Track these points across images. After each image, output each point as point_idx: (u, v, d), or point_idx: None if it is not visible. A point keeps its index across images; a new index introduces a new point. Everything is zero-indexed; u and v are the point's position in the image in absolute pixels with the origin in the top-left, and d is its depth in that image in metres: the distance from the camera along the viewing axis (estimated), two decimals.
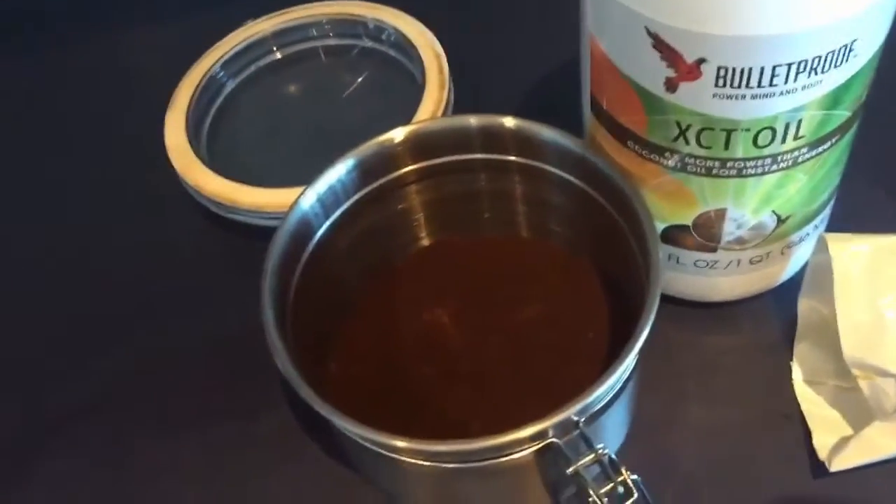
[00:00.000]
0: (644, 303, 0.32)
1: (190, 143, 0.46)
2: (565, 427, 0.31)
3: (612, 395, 0.33)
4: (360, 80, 0.51)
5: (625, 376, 0.33)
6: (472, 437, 0.37)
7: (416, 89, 0.47)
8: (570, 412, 0.30)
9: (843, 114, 0.32)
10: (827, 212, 0.38)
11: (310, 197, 0.36)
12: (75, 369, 0.44)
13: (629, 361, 0.31)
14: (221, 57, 0.50)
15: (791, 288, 0.40)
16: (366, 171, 0.38)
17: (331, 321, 0.39)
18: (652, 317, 0.31)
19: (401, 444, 0.31)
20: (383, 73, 0.51)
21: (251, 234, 0.45)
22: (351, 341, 0.39)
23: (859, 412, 0.36)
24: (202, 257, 0.47)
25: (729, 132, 0.31)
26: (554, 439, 0.31)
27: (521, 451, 0.32)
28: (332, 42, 0.53)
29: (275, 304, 0.34)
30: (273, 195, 0.44)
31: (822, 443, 0.36)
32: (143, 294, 0.46)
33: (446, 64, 0.48)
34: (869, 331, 0.34)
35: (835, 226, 0.40)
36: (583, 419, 0.31)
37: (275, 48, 0.52)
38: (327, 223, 0.38)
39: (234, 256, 0.47)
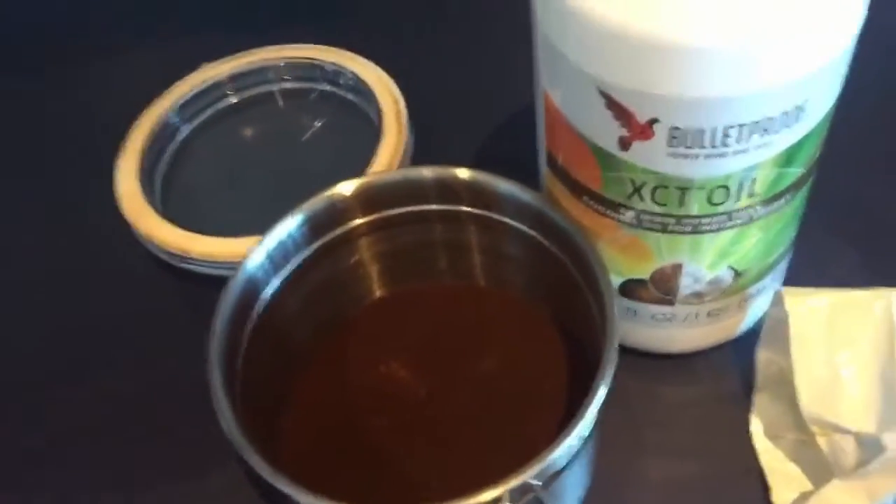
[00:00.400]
0: (600, 360, 0.32)
1: (142, 189, 0.46)
2: (522, 490, 0.31)
3: (570, 455, 0.32)
4: (317, 124, 0.50)
5: (583, 435, 0.32)
6: (429, 498, 0.36)
7: (373, 133, 0.47)
8: (527, 476, 0.30)
9: (796, 171, 0.32)
10: (784, 263, 0.38)
11: (258, 255, 0.35)
12: (19, 423, 0.42)
13: (587, 422, 0.31)
14: (176, 101, 0.50)
15: (750, 338, 0.39)
16: (316, 226, 0.37)
17: (284, 379, 0.38)
18: (609, 377, 0.31)
19: None
20: (341, 117, 0.51)
21: (205, 284, 0.44)
22: (304, 398, 0.38)
23: (819, 467, 0.35)
24: (154, 307, 0.46)
25: (683, 190, 0.31)
26: None
27: None
28: (289, 86, 0.52)
29: (223, 364, 0.33)
30: (225, 244, 0.43)
31: (782, 499, 0.36)
32: (92, 344, 0.45)
33: (404, 109, 0.47)
34: (826, 387, 0.34)
35: (793, 274, 0.40)
36: (541, 482, 0.31)
37: (230, 92, 0.51)
38: (277, 280, 0.37)
39: (187, 306, 0.46)
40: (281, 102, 0.52)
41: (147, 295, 0.46)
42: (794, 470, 0.37)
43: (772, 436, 0.38)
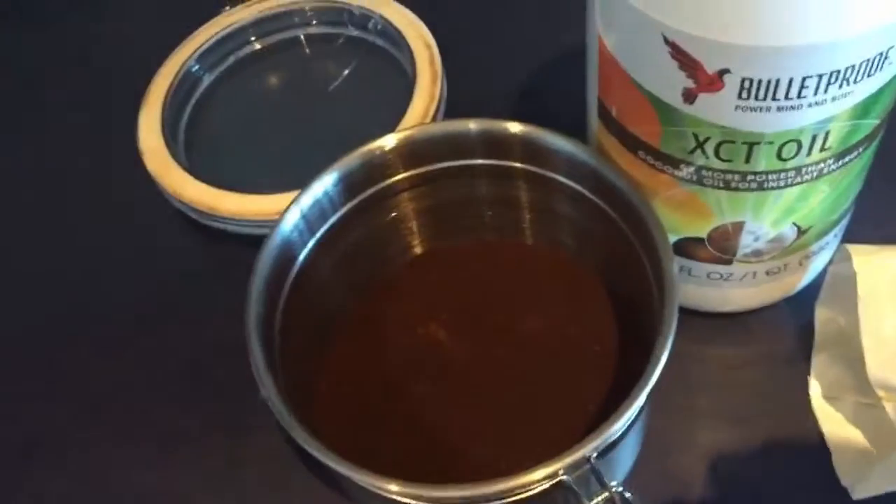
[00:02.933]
0: (658, 325, 0.30)
1: (166, 143, 0.44)
2: (577, 463, 0.29)
3: (626, 427, 0.30)
4: (346, 72, 0.48)
5: (641, 405, 0.31)
6: (473, 463, 0.35)
7: (406, 82, 0.45)
8: (585, 451, 0.28)
9: (872, 122, 0.29)
10: (847, 219, 0.36)
11: (293, 215, 0.34)
12: (49, 388, 0.41)
13: (646, 392, 0.29)
14: (197, 49, 0.47)
15: (806, 295, 0.37)
16: (353, 183, 0.35)
17: (321, 341, 0.37)
18: (669, 344, 0.29)
19: (394, 487, 0.29)
20: (371, 64, 0.48)
21: (232, 241, 0.42)
22: (342, 362, 0.37)
23: (881, 431, 0.34)
24: (180, 266, 0.45)
25: (751, 145, 0.29)
26: (564, 477, 0.29)
27: (529, 491, 0.29)
28: (314, 30, 0.50)
29: (261, 330, 0.32)
30: (255, 202, 0.41)
31: (843, 464, 0.34)
32: (118, 306, 0.43)
33: (438, 56, 0.45)
34: (895, 350, 0.32)
35: (850, 229, 0.37)
36: (595, 455, 0.29)
37: (254, 38, 0.49)
38: (313, 241, 0.35)
39: (214, 265, 0.44)
40: (307, 48, 0.50)
41: (174, 254, 0.45)
42: (854, 434, 0.35)
43: (831, 398, 0.36)
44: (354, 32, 0.49)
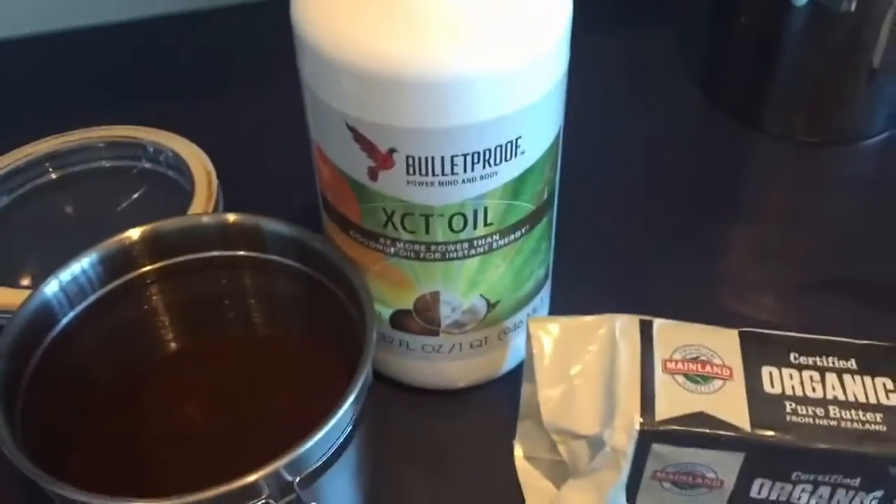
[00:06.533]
0: (359, 355, 0.34)
1: None
2: (283, 488, 0.32)
3: (326, 452, 0.34)
4: (135, 196, 0.53)
5: (339, 432, 0.34)
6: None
7: (186, 200, 0.50)
8: (280, 464, 0.31)
9: (526, 206, 0.37)
10: (538, 301, 0.43)
11: (53, 285, 0.37)
12: None
13: (342, 412, 0.33)
14: None
15: (519, 375, 0.43)
16: (110, 267, 0.39)
17: (69, 418, 0.39)
18: (367, 368, 0.34)
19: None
20: (158, 190, 0.54)
21: None
22: (90, 442, 0.39)
23: (564, 478, 0.39)
24: None
25: (427, 217, 0.35)
26: (270, 501, 0.32)
27: None
28: (110, 164, 0.55)
29: (5, 390, 0.35)
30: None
31: None
32: None
33: (216, 179, 0.51)
34: (562, 398, 0.38)
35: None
36: (298, 479, 0.33)
37: (51, 169, 0.54)
38: (72, 313, 0.39)
39: None
40: (101, 179, 0.55)
41: None
42: (547, 485, 0.40)
43: (531, 458, 0.42)
44: (147, 165, 0.54)
